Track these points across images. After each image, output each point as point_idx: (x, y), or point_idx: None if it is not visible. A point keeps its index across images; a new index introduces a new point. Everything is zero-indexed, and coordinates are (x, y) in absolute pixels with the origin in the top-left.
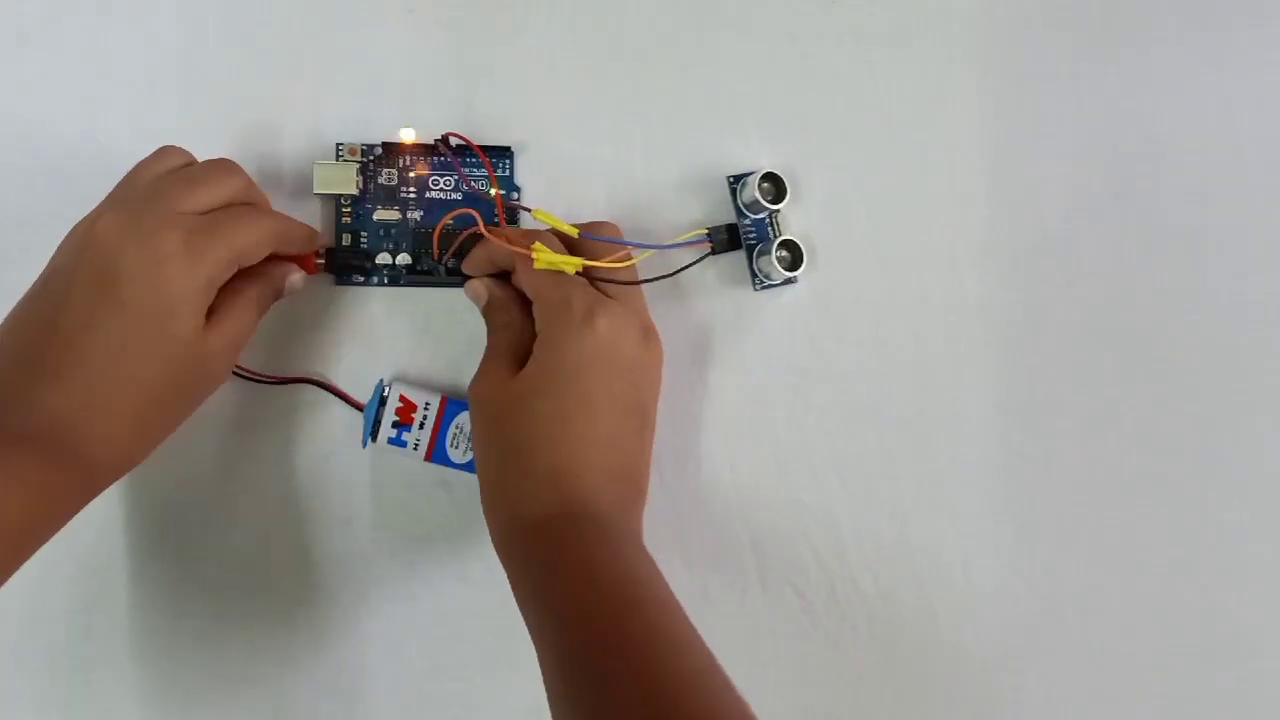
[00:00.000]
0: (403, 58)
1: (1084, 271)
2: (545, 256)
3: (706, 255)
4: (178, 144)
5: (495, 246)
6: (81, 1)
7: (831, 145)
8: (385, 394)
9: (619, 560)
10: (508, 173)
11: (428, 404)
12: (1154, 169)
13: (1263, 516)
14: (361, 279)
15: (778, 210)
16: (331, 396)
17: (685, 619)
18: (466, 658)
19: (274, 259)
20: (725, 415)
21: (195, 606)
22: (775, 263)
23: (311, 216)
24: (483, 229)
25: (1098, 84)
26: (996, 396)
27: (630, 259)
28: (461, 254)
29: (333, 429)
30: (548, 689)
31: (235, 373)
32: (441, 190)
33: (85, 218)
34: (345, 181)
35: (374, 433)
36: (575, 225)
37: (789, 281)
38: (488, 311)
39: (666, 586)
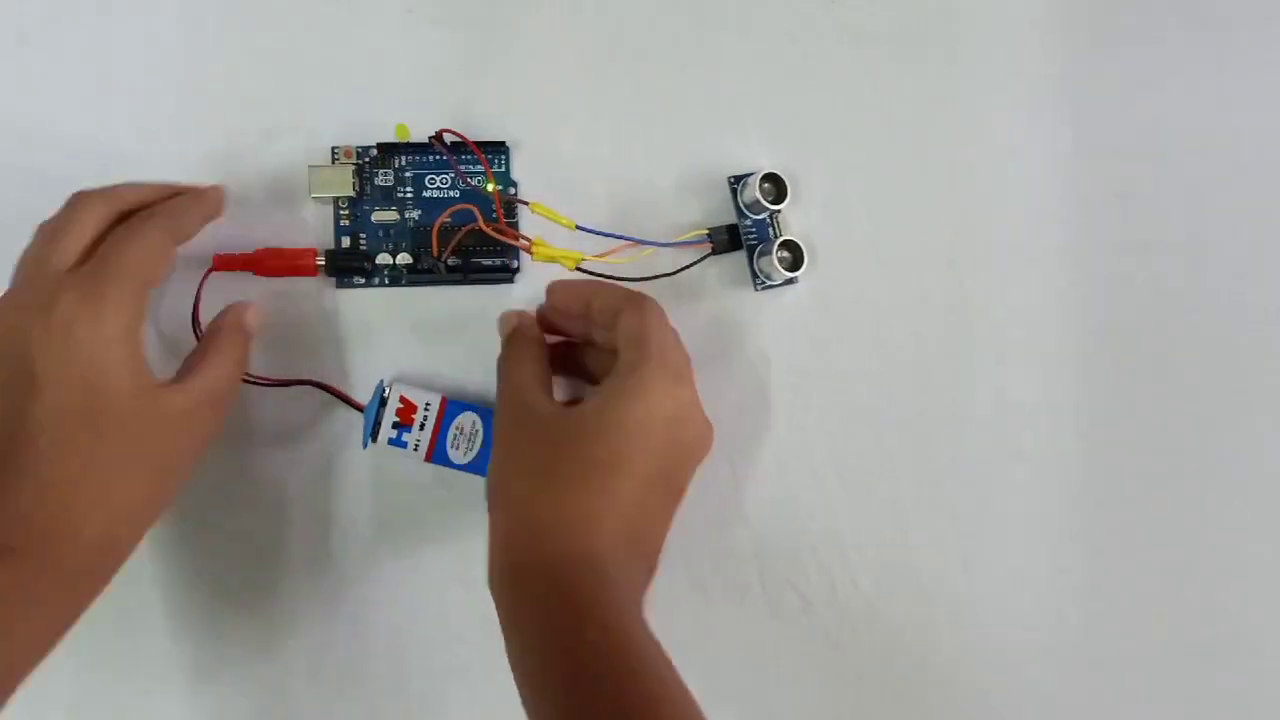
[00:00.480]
0: (402, 58)
1: (1084, 271)
2: (544, 251)
3: (707, 255)
4: (178, 143)
5: (600, 286)
6: (81, 1)
7: (831, 145)
8: (386, 395)
9: (632, 620)
10: (504, 168)
11: (428, 404)
12: (1154, 169)
13: (1263, 516)
14: (362, 281)
15: (778, 211)
16: (332, 397)
17: (690, 699)
18: (467, 658)
19: (232, 309)
20: (725, 415)
21: (195, 607)
22: (776, 263)
23: (311, 219)
24: (482, 225)
25: (1098, 84)
26: (996, 396)
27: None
28: (460, 251)
29: (333, 430)
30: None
31: None
32: (438, 188)
33: None
34: (342, 184)
35: (374, 433)
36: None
37: (789, 282)
38: (518, 340)
39: (671, 665)
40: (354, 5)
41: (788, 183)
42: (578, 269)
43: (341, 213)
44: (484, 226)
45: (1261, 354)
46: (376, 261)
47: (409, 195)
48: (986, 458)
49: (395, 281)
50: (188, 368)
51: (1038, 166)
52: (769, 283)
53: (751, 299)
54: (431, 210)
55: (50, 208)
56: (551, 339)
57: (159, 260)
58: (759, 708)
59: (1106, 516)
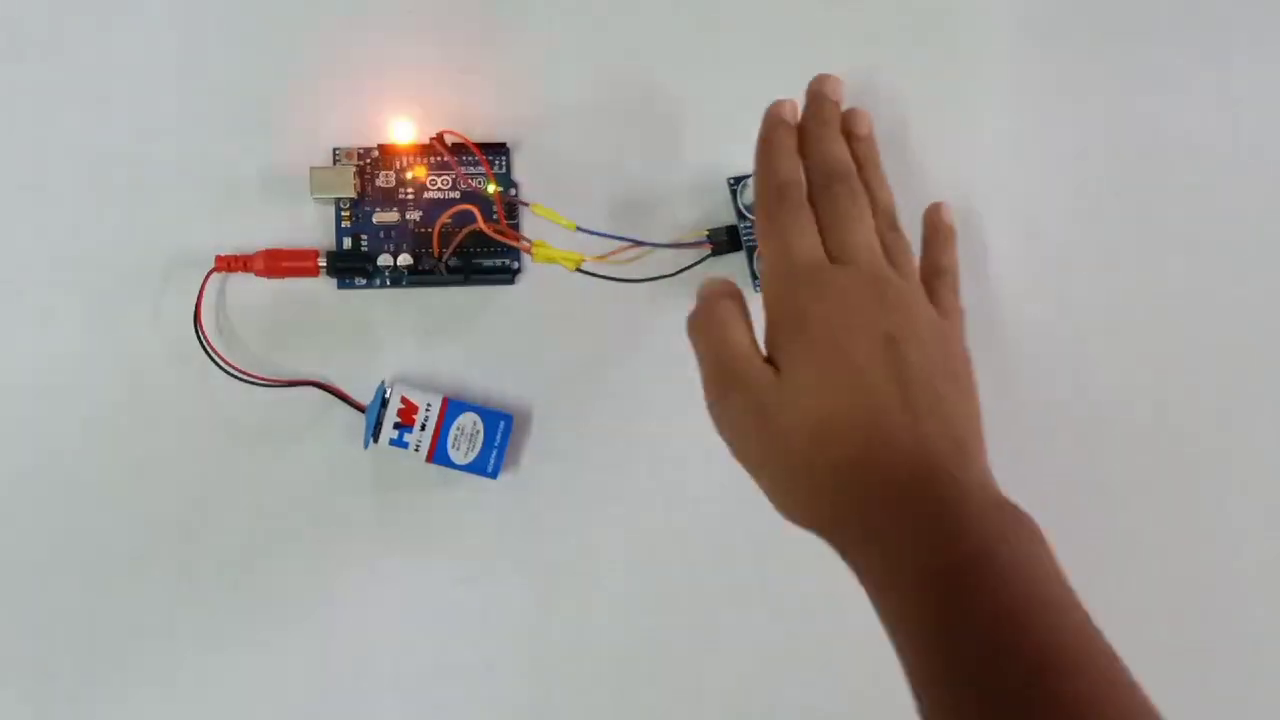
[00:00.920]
0: (402, 58)
1: (1084, 271)
2: (545, 252)
3: (707, 257)
4: (178, 143)
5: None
6: (82, 2)
7: None
8: (387, 395)
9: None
10: (504, 169)
11: (429, 405)
12: (1154, 169)
13: (1263, 517)
14: (364, 281)
15: None
16: (333, 398)
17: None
18: (467, 658)
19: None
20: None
21: (195, 607)
22: None
23: (311, 220)
24: (483, 226)
25: (1098, 84)
26: (995, 397)
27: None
28: (461, 252)
29: (334, 430)
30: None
31: (237, 376)
32: (439, 190)
33: None
34: (343, 185)
35: (376, 434)
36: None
37: None
38: (729, 297)
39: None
40: (354, 5)
41: None
42: (578, 270)
43: (343, 214)
44: (484, 227)
45: (1262, 354)
46: (378, 262)
47: (410, 196)
48: None
49: (396, 282)
50: None
51: (1037, 166)
52: None
53: (752, 300)
54: (432, 211)
55: (50, 208)
56: None
57: None
58: (758, 707)
59: (1105, 517)
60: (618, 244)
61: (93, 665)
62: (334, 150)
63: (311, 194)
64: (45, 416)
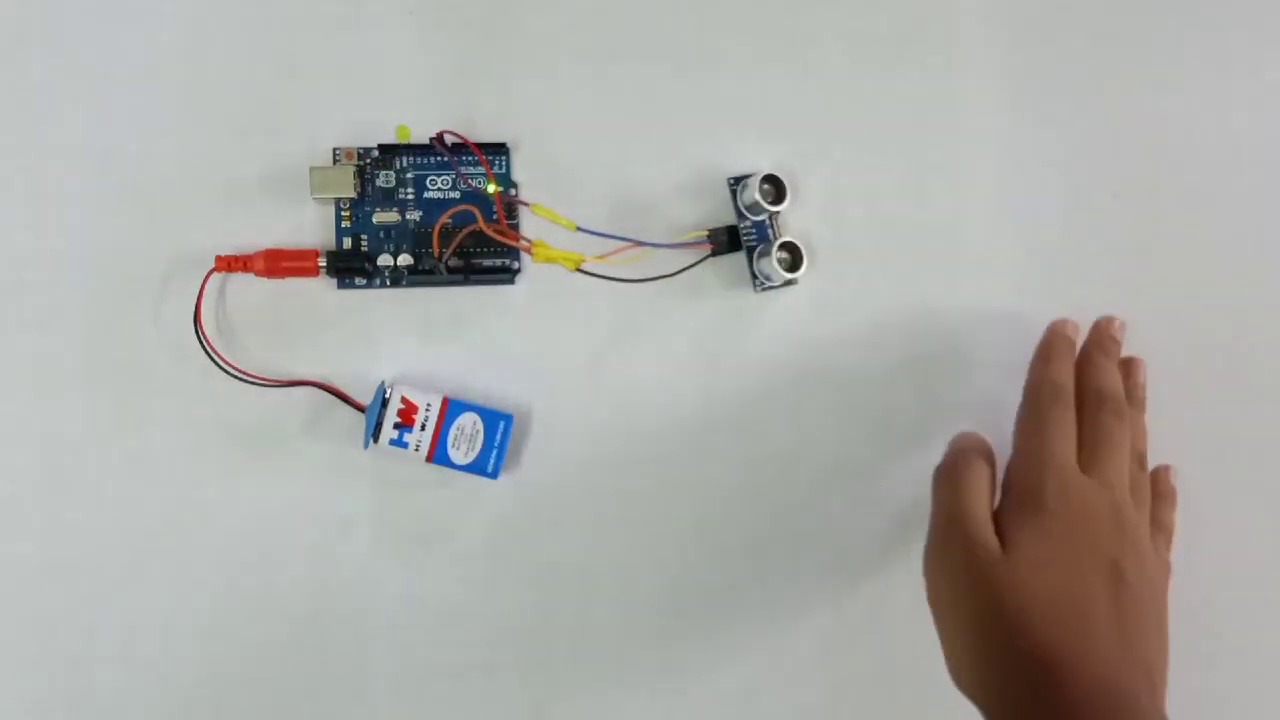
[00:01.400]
0: (402, 58)
1: (1083, 272)
2: (545, 252)
3: (707, 257)
4: (178, 143)
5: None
6: (82, 2)
7: (831, 145)
8: (387, 395)
9: None
10: (504, 169)
11: (429, 405)
12: (1154, 169)
13: (1263, 517)
14: (364, 281)
15: (778, 212)
16: (333, 398)
17: None
18: (467, 658)
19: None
20: (726, 416)
21: (195, 607)
22: (775, 264)
23: (311, 220)
24: (483, 226)
25: (1098, 84)
26: (996, 398)
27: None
28: (461, 252)
29: (334, 430)
30: None
31: (237, 376)
32: (439, 190)
33: None
34: (343, 185)
35: (376, 434)
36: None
37: (789, 283)
38: (977, 456)
39: None
40: (354, 5)
41: (787, 184)
42: (578, 270)
43: (343, 214)
44: (484, 227)
45: (1261, 354)
46: (378, 262)
47: (410, 196)
48: None
49: (396, 282)
50: None
51: (1038, 166)
52: (769, 284)
53: (751, 300)
54: (432, 211)
55: (50, 208)
56: None
57: None
58: (758, 707)
59: None
60: (618, 244)
61: (92, 665)
62: (334, 150)
63: (311, 194)
64: (45, 416)
